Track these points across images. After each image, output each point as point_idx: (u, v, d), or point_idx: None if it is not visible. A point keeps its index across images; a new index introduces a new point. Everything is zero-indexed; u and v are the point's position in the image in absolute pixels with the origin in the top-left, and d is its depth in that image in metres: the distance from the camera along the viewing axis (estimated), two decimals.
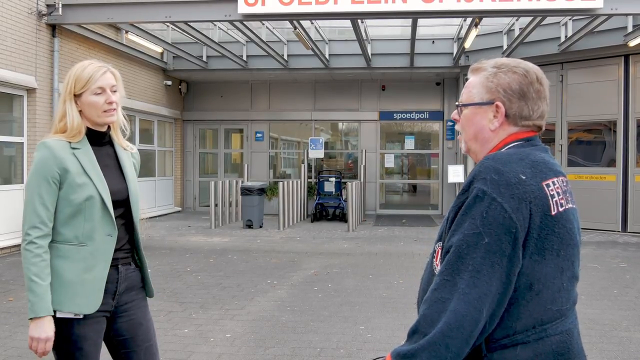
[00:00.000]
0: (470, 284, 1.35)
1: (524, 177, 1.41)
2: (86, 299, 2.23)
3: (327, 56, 14.69)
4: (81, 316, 2.23)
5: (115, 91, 2.35)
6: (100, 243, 2.28)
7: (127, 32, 13.15)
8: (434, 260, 1.55)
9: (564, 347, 1.45)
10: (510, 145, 1.54)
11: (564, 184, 1.51)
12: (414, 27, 11.73)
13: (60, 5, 10.05)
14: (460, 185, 13.92)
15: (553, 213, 1.43)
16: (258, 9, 9.50)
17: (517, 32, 12.19)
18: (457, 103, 1.65)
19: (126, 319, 2.40)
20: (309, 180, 15.90)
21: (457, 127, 1.67)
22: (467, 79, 1.64)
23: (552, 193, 1.44)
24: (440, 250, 1.52)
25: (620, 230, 11.97)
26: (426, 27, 14.50)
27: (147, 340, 2.44)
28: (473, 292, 1.35)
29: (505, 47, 13.13)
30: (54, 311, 2.21)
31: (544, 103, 1.55)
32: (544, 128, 1.59)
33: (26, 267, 2.19)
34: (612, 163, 12.16)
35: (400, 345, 1.42)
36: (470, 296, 1.35)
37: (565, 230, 1.45)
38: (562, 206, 1.46)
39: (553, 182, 1.46)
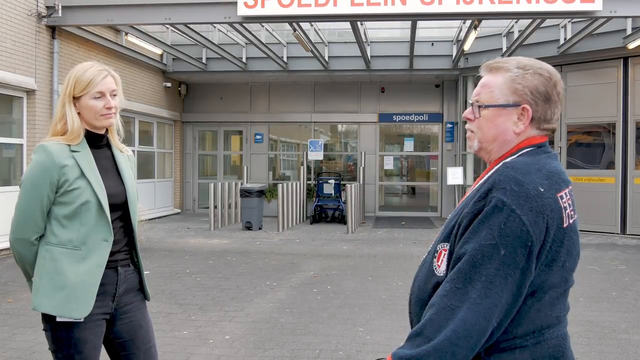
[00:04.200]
0: (482, 295, 1.35)
1: (542, 190, 1.41)
2: (77, 303, 2.21)
3: (326, 58, 14.70)
4: (81, 319, 2.23)
5: (115, 95, 2.35)
6: (95, 248, 2.27)
7: (126, 34, 13.17)
8: (435, 260, 1.53)
9: (560, 351, 1.47)
10: (524, 151, 1.53)
11: (571, 195, 1.52)
12: (414, 29, 11.74)
13: (59, 7, 10.06)
14: (460, 188, 13.98)
15: (565, 225, 1.44)
16: (258, 11, 9.52)
17: (516, 35, 12.21)
18: (474, 102, 1.60)
19: (126, 321, 2.40)
20: (308, 182, 15.90)
21: (469, 126, 1.62)
22: (479, 77, 1.63)
23: (564, 205, 1.45)
24: (444, 252, 1.51)
25: (619, 232, 11.97)
26: (425, 30, 14.53)
27: (146, 342, 2.44)
28: (484, 302, 1.34)
29: (504, 49, 13.14)
30: (54, 316, 2.22)
31: (560, 105, 1.57)
32: (555, 130, 1.60)
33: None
34: (611, 165, 12.17)
35: (401, 346, 1.41)
36: (482, 306, 1.34)
37: (572, 242, 1.47)
38: (571, 218, 1.47)
39: (565, 194, 1.47)
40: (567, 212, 1.44)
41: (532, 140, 1.55)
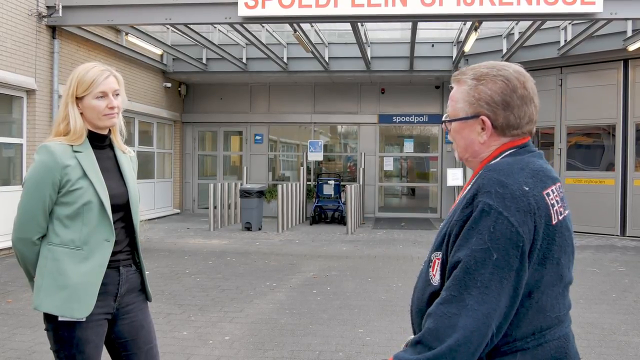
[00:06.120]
0: (479, 300, 1.35)
1: (527, 189, 1.41)
2: (79, 303, 2.21)
3: (326, 59, 14.70)
4: (83, 319, 2.23)
5: (117, 95, 2.35)
6: (97, 248, 2.27)
7: (127, 34, 13.16)
8: (430, 270, 1.53)
9: (562, 352, 1.46)
10: (507, 153, 1.53)
11: (560, 191, 1.51)
12: (414, 30, 11.74)
13: (60, 6, 10.06)
14: (460, 189, 13.96)
15: (554, 222, 1.43)
16: (258, 12, 9.51)
17: (516, 36, 12.21)
18: (443, 118, 1.64)
19: (127, 321, 2.40)
20: (308, 182, 15.90)
21: (449, 137, 1.66)
22: (451, 88, 1.63)
23: (552, 202, 1.44)
24: (437, 261, 1.50)
25: (618, 234, 11.97)
26: (426, 31, 14.53)
27: (148, 343, 2.44)
28: (482, 308, 1.34)
29: (505, 50, 13.15)
30: (56, 315, 2.22)
31: (531, 106, 1.53)
32: (534, 131, 1.58)
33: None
34: (611, 167, 12.18)
35: (402, 351, 1.42)
36: (479, 312, 1.34)
37: (564, 239, 1.46)
38: (561, 214, 1.47)
39: (552, 191, 1.46)
40: (555, 208, 1.44)
41: (513, 143, 1.54)
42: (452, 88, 1.63)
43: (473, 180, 1.49)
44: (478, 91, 1.53)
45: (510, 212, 1.37)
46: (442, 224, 1.57)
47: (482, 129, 1.54)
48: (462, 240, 1.41)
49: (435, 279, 1.50)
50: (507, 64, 1.56)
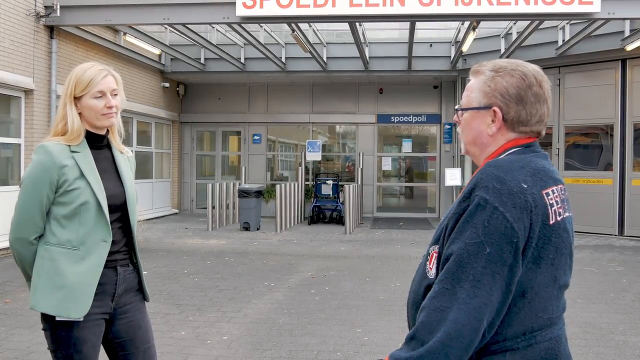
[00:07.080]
0: (471, 294, 1.35)
1: (525, 186, 1.41)
2: (75, 303, 2.21)
3: (324, 59, 14.70)
4: (80, 319, 2.23)
5: (115, 95, 2.35)
6: (94, 248, 2.27)
7: (125, 34, 13.15)
8: (427, 263, 1.54)
9: (552, 353, 1.46)
10: (510, 152, 1.53)
11: (562, 192, 1.51)
12: (412, 30, 11.74)
13: (58, 6, 10.05)
14: (458, 189, 13.98)
15: (551, 222, 1.43)
16: (256, 12, 9.52)
17: (514, 36, 12.22)
18: (456, 107, 1.65)
19: (125, 321, 2.40)
20: (307, 182, 15.90)
21: (458, 129, 1.67)
22: (469, 80, 1.64)
23: (551, 202, 1.44)
24: (435, 254, 1.51)
25: (617, 234, 11.99)
26: (424, 31, 14.53)
27: (146, 342, 2.44)
28: (473, 301, 1.34)
29: (503, 50, 13.16)
30: (53, 315, 2.22)
31: (544, 106, 1.54)
32: (543, 133, 1.58)
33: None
34: (609, 167, 12.19)
35: (398, 349, 1.42)
36: (471, 306, 1.34)
37: (561, 240, 1.46)
38: (559, 215, 1.46)
39: (552, 191, 1.47)
40: (553, 209, 1.44)
41: (517, 142, 1.55)
42: (469, 81, 1.63)
43: (473, 176, 1.50)
44: (494, 82, 1.54)
45: (506, 208, 1.37)
46: (442, 217, 1.57)
47: (492, 120, 1.55)
48: (457, 234, 1.42)
49: (432, 272, 1.50)
50: (527, 62, 1.58)
